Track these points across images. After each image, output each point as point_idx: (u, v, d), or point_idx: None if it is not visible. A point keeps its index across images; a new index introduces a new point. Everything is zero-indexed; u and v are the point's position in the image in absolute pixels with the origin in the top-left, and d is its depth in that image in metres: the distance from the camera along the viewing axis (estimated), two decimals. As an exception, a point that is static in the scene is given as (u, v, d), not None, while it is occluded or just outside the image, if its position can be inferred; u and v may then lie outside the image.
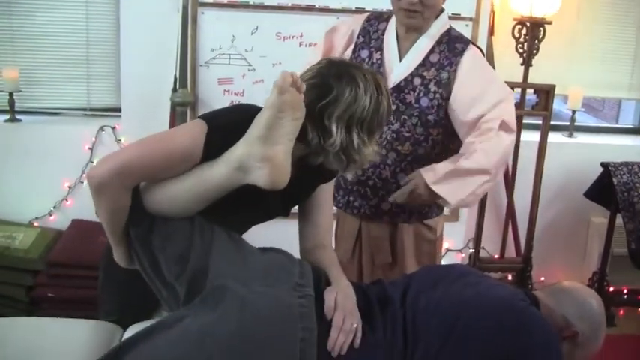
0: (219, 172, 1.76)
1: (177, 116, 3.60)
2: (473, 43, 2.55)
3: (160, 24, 3.61)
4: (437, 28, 2.49)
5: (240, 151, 1.74)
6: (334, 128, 1.83)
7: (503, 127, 2.38)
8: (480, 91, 2.41)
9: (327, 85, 1.85)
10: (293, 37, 3.62)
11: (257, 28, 3.59)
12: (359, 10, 3.43)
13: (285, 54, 3.61)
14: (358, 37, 2.61)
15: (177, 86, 3.57)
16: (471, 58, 2.46)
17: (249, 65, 3.64)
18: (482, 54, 2.59)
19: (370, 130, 1.89)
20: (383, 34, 2.57)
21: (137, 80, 3.68)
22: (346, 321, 1.81)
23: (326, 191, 2.20)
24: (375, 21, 2.61)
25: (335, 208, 2.69)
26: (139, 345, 1.75)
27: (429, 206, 2.62)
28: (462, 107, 2.42)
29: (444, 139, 2.51)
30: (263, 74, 3.64)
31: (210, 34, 3.58)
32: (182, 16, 3.50)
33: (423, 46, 2.48)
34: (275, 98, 1.68)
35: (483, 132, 2.36)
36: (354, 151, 1.87)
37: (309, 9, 3.58)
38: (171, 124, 3.63)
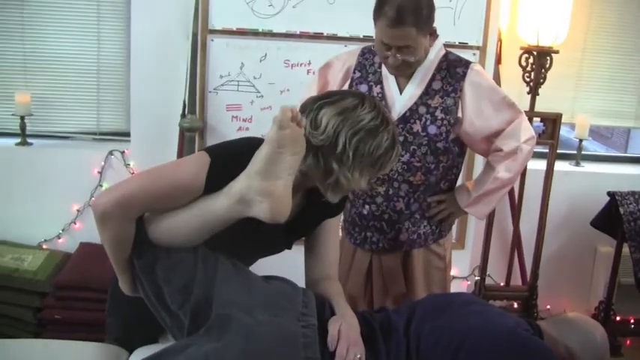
0: (220, 205, 1.77)
1: (185, 142, 3.63)
2: (471, 63, 2.57)
3: (170, 50, 3.65)
4: (434, 54, 2.51)
5: (240, 184, 1.75)
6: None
7: (526, 142, 2.50)
8: (492, 109, 2.49)
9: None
10: (301, 64, 3.65)
11: (265, 56, 3.62)
12: (367, 38, 3.45)
13: (293, 81, 3.65)
14: (354, 72, 2.62)
15: (186, 112, 3.61)
16: (474, 80, 2.50)
17: (258, 92, 3.67)
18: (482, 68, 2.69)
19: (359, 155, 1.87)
20: (380, 67, 2.58)
21: (146, 105, 3.72)
22: (350, 351, 1.82)
23: (332, 225, 2.21)
24: (370, 54, 2.62)
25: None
26: None
27: (441, 223, 2.70)
28: (476, 128, 2.49)
29: (451, 164, 2.57)
30: (271, 101, 3.67)
31: (219, 60, 3.61)
32: (192, 42, 3.54)
33: (423, 74, 2.50)
34: (275, 133, 1.70)
35: (506, 155, 2.50)
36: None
37: (317, 37, 3.62)
38: (180, 150, 3.66)
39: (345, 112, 1.85)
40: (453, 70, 2.50)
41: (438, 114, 2.47)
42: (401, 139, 2.47)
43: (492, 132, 2.50)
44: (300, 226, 2.10)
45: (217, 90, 3.66)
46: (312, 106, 1.89)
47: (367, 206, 2.60)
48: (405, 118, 2.49)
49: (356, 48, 2.71)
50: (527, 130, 2.50)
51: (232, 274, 1.89)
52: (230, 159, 1.83)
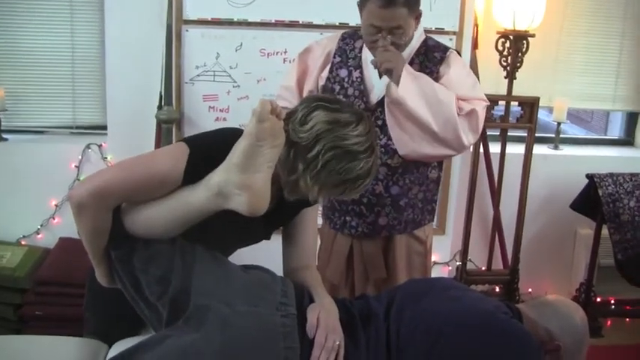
0: (199, 197, 1.76)
1: (162, 133, 3.61)
2: (450, 49, 2.59)
3: (145, 42, 3.61)
4: (414, 39, 2.51)
5: (219, 177, 1.74)
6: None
7: (470, 114, 2.45)
8: (460, 86, 2.49)
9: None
10: (277, 53, 3.63)
11: (241, 45, 3.60)
12: (342, 26, 3.44)
13: (269, 70, 3.63)
14: (334, 57, 2.61)
15: (163, 103, 3.58)
16: (450, 64, 2.52)
17: (234, 82, 3.65)
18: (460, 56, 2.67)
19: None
20: (360, 52, 2.58)
21: (123, 98, 3.69)
22: (328, 339, 1.82)
23: (310, 213, 2.19)
24: (350, 39, 2.62)
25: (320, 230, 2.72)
26: None
27: (422, 213, 2.67)
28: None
29: None
30: (248, 91, 3.66)
31: (194, 51, 3.59)
32: (167, 33, 3.51)
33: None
34: (254, 126, 1.68)
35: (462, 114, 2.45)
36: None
37: (292, 25, 3.60)
38: (157, 142, 3.63)
39: (336, 124, 1.81)
40: (431, 54, 2.52)
41: None
42: (379, 122, 2.49)
43: (459, 97, 2.47)
44: (279, 216, 2.09)
45: (193, 81, 3.64)
46: (311, 103, 1.86)
47: None
48: (383, 103, 2.48)
49: (336, 34, 2.70)
50: (474, 122, 2.46)
51: (211, 265, 1.88)
52: (209, 150, 1.82)
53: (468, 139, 2.46)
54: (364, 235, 2.65)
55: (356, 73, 2.55)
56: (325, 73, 2.63)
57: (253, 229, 2.07)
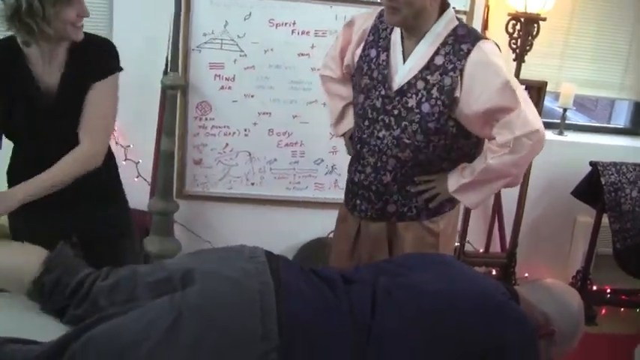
0: None
1: (167, 100, 3.59)
2: (484, 38, 2.35)
3: (153, 8, 3.58)
4: (441, 26, 2.31)
5: None
6: None
7: (525, 136, 2.24)
8: (488, 89, 2.24)
9: None
10: (286, 24, 3.61)
11: (250, 15, 3.58)
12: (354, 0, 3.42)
13: (277, 41, 3.62)
14: (369, 35, 2.49)
15: (169, 69, 3.56)
16: (477, 59, 2.26)
17: (241, 51, 3.63)
18: (497, 47, 2.37)
19: None
20: (390, 33, 2.43)
21: (128, 63, 3.63)
22: None
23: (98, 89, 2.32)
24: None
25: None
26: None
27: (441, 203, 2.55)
28: (470, 109, 2.28)
29: (446, 143, 2.38)
30: (254, 60, 3.64)
31: (203, 18, 3.57)
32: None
33: (427, 46, 2.32)
34: None
35: (500, 146, 2.26)
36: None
37: (303, -4, 3.58)
38: (161, 108, 3.62)
39: None
40: (457, 46, 2.28)
41: (434, 92, 2.30)
42: (395, 112, 2.37)
43: (485, 112, 2.27)
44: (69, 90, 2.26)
45: (200, 48, 3.62)
46: None
47: (358, 174, 2.54)
48: (402, 91, 2.35)
49: (376, 9, 2.53)
50: (525, 124, 2.22)
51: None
52: None
53: (530, 150, 2.28)
54: (372, 219, 2.58)
55: (383, 56, 2.42)
56: (359, 50, 2.52)
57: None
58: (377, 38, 2.45)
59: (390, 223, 2.55)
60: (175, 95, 3.59)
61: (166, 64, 3.57)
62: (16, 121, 2.26)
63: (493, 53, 2.29)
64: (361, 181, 2.53)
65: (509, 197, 4.01)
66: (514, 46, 3.76)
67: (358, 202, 2.57)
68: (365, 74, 2.46)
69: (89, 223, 2.40)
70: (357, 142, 2.53)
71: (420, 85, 2.32)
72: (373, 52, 2.45)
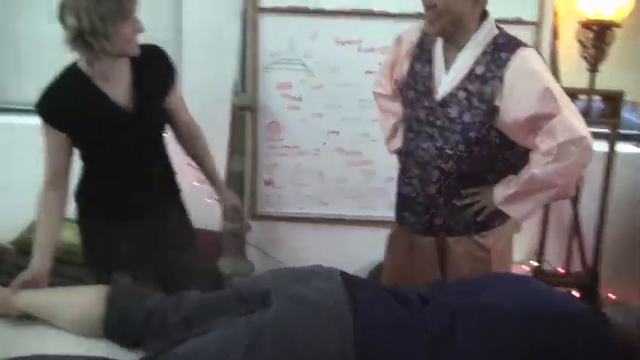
0: None
1: (237, 120, 3.65)
2: (524, 45, 2.34)
3: (221, 29, 3.67)
4: (482, 35, 2.32)
5: None
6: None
7: (570, 143, 2.20)
8: (528, 96, 2.23)
9: None
10: (351, 42, 3.63)
11: (315, 34, 3.62)
12: (418, 15, 3.38)
13: (343, 59, 3.64)
14: (415, 49, 2.51)
15: (239, 90, 3.63)
16: (517, 66, 2.26)
17: (308, 70, 3.66)
18: (538, 54, 2.40)
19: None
20: (433, 46, 2.45)
21: (198, 84, 3.74)
22: None
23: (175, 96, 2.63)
24: None
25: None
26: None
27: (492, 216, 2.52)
28: (510, 117, 2.26)
29: (489, 154, 2.37)
30: (322, 79, 3.67)
31: (269, 38, 3.63)
32: (242, 21, 3.56)
33: (468, 56, 2.33)
34: None
35: (544, 154, 2.22)
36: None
37: (367, 14, 3.58)
38: (232, 128, 3.68)
39: None
40: (497, 54, 2.29)
41: (475, 101, 2.30)
42: (438, 123, 2.38)
43: (527, 120, 2.24)
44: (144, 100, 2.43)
45: (267, 68, 3.67)
46: None
47: (405, 187, 2.56)
48: (444, 102, 2.37)
49: (421, 24, 2.52)
50: (569, 130, 2.18)
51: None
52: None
53: (579, 160, 2.25)
54: (421, 232, 2.55)
55: (426, 68, 2.44)
56: (406, 65, 2.54)
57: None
58: (422, 51, 2.48)
59: (438, 237, 2.52)
60: (244, 115, 3.64)
61: (237, 85, 3.63)
62: (94, 141, 2.42)
63: (533, 60, 2.30)
64: (408, 193, 2.54)
65: (589, 214, 3.86)
66: (586, 56, 3.63)
67: (407, 214, 2.57)
68: (411, 88, 2.49)
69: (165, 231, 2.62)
70: (404, 154, 2.56)
71: (462, 95, 2.33)
72: (418, 66, 2.48)
